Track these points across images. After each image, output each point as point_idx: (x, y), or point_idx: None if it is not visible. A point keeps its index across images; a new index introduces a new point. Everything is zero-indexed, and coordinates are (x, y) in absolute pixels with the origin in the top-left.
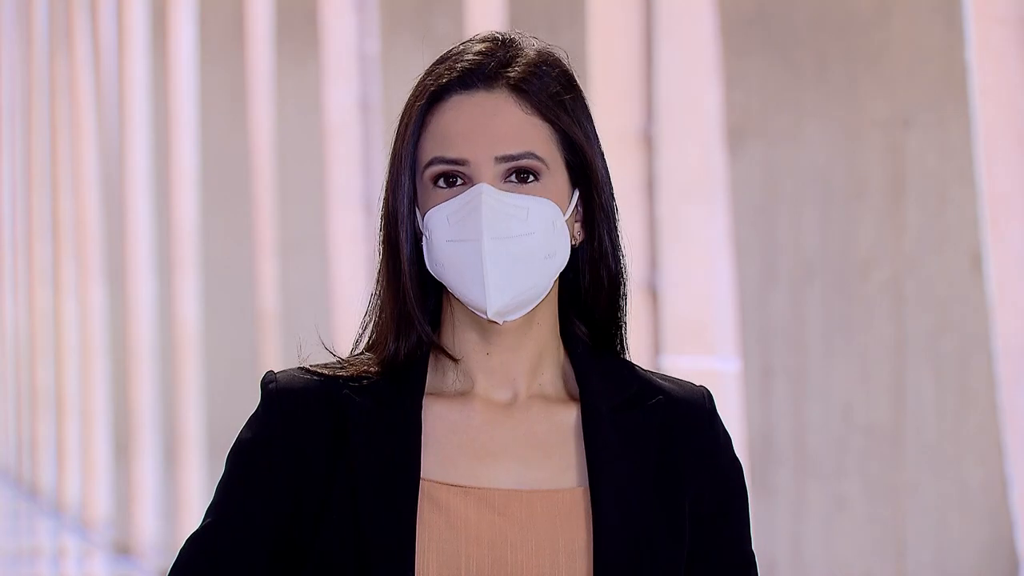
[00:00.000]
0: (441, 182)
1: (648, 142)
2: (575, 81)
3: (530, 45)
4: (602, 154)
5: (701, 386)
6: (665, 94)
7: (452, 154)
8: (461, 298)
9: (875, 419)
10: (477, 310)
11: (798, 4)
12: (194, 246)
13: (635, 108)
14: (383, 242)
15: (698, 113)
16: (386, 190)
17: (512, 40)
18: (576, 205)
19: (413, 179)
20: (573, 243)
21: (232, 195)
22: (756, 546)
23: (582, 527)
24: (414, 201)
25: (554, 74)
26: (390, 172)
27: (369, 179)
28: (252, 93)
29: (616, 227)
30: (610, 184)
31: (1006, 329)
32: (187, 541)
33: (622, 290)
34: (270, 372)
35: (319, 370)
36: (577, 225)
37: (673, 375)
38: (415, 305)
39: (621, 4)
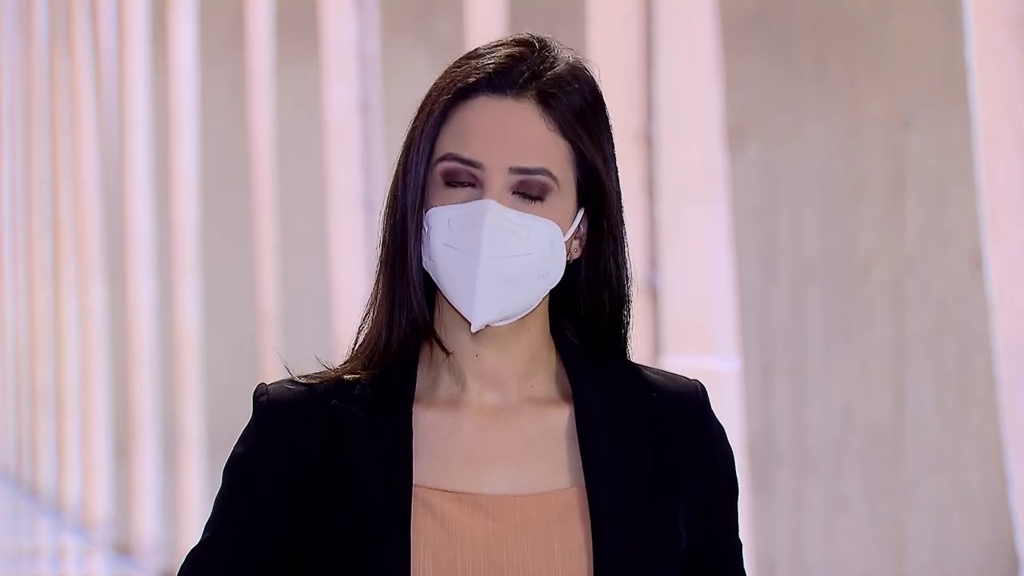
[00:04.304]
0: (450, 181)
1: (648, 142)
2: (602, 100)
3: (563, 57)
4: (617, 176)
5: (694, 380)
6: (665, 94)
7: (467, 154)
8: (450, 300)
9: (875, 419)
10: (463, 316)
11: (798, 4)
12: (194, 246)
13: (635, 108)
14: (387, 231)
15: (698, 113)
16: (396, 178)
17: (546, 45)
18: (579, 224)
19: (426, 170)
20: (569, 260)
21: (232, 195)
22: (756, 546)
23: (578, 527)
24: (424, 192)
25: (583, 91)
26: (404, 160)
27: (369, 179)
28: (252, 93)
29: (623, 250)
30: (620, 206)
31: (1006, 329)
32: (187, 556)
33: (626, 310)
34: (261, 385)
35: (309, 381)
36: (576, 242)
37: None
38: (417, 289)
39: (621, 4)
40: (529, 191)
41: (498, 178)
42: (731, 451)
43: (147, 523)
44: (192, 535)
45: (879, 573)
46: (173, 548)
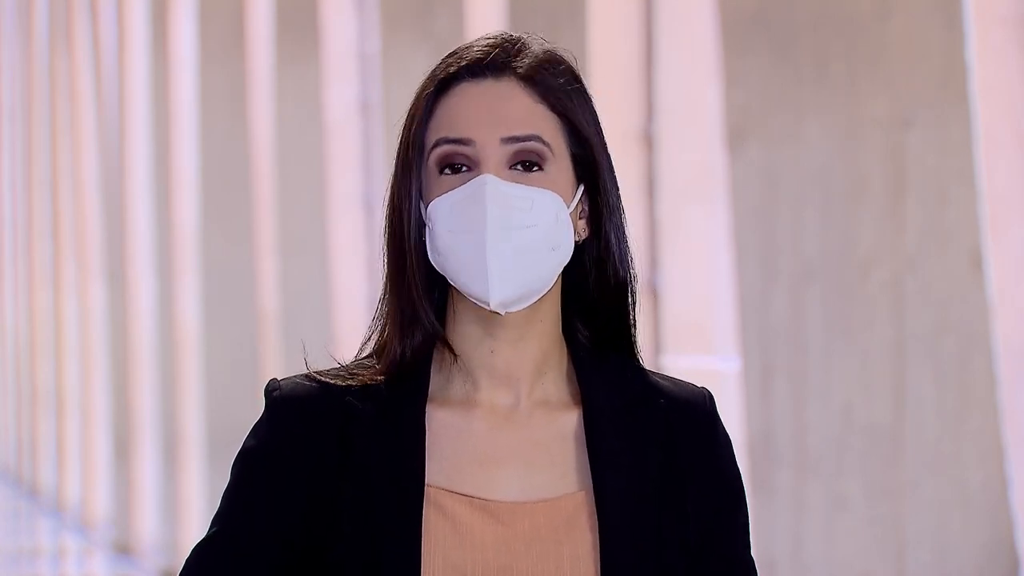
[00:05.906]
0: (447, 170)
1: (648, 142)
2: (582, 82)
3: (538, 44)
4: (608, 154)
5: (702, 388)
6: (665, 94)
7: (456, 134)
8: (463, 289)
9: (875, 419)
10: (479, 301)
11: (798, 4)
12: (194, 246)
13: (635, 108)
14: (388, 236)
15: (698, 113)
16: (392, 181)
17: (520, 38)
18: (580, 200)
19: (420, 168)
20: (577, 239)
21: (232, 195)
22: (756, 546)
23: (587, 530)
24: (420, 190)
25: (563, 72)
26: (397, 162)
27: (369, 179)
28: (252, 93)
29: (623, 227)
30: (616, 184)
31: (1006, 329)
32: (193, 550)
33: (631, 290)
34: (274, 380)
35: (323, 377)
36: (581, 222)
37: (673, 375)
38: (421, 297)
39: (621, 4)
40: (526, 159)
41: (491, 152)
42: (736, 462)
43: (147, 523)
44: (192, 535)
45: (879, 573)
46: (173, 548)
